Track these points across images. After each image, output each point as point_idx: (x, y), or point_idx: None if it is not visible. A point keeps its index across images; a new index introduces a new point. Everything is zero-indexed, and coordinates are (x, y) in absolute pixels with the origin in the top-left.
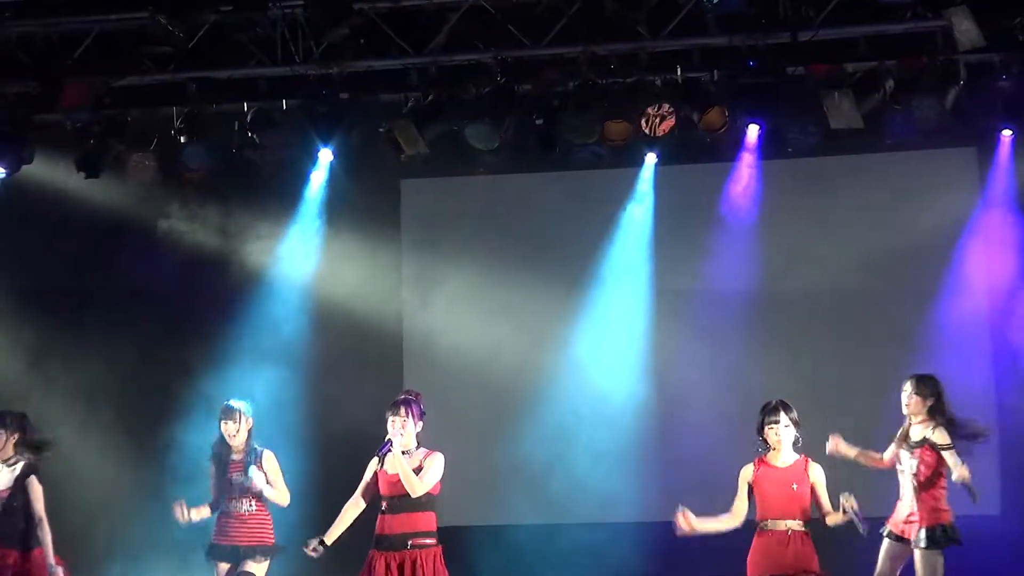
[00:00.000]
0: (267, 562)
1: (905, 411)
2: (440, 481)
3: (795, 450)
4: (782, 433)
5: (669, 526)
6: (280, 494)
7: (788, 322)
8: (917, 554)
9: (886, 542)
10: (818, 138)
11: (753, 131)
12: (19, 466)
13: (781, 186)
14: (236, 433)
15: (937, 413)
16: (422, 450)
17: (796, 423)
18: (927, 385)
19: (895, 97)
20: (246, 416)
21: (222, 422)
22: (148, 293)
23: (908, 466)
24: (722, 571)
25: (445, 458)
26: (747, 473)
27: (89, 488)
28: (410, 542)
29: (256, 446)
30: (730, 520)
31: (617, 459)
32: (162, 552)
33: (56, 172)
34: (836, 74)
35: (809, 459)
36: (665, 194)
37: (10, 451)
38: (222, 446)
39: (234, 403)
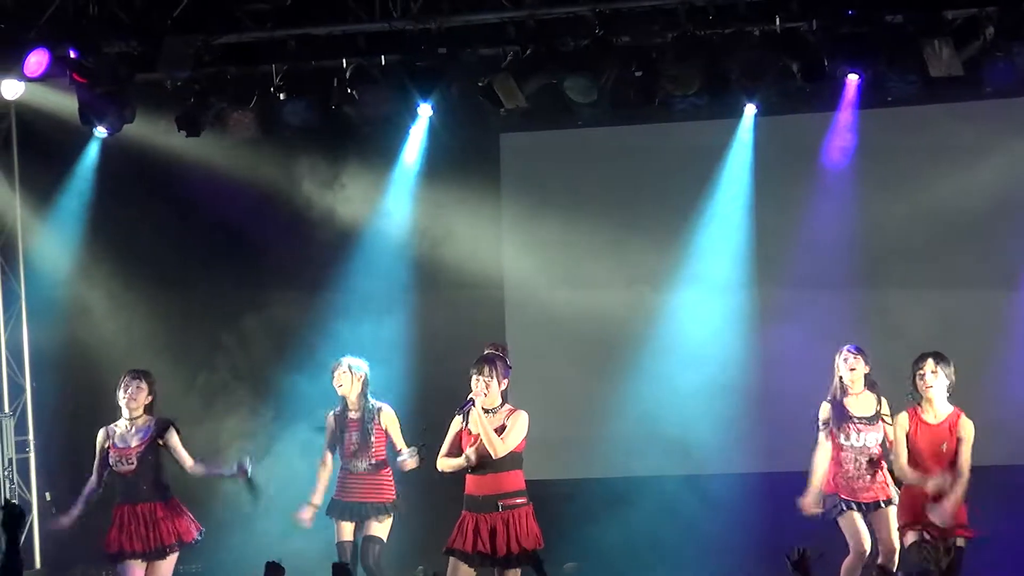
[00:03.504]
0: (390, 519)
1: (849, 382)
2: (524, 439)
3: (950, 402)
4: (929, 381)
5: (764, 478)
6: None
7: (889, 271)
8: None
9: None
10: (917, 86)
11: (852, 80)
12: (149, 423)
13: (881, 135)
14: (349, 391)
15: (871, 382)
16: (506, 407)
17: (947, 375)
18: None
19: (995, 44)
20: (355, 372)
21: (333, 378)
22: (250, 250)
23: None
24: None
25: (541, 409)
26: (903, 422)
27: (196, 443)
28: (500, 503)
29: (372, 402)
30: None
31: (714, 411)
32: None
33: (157, 131)
34: (935, 21)
35: (962, 414)
36: (765, 145)
37: (140, 409)
38: (341, 404)
39: (343, 360)
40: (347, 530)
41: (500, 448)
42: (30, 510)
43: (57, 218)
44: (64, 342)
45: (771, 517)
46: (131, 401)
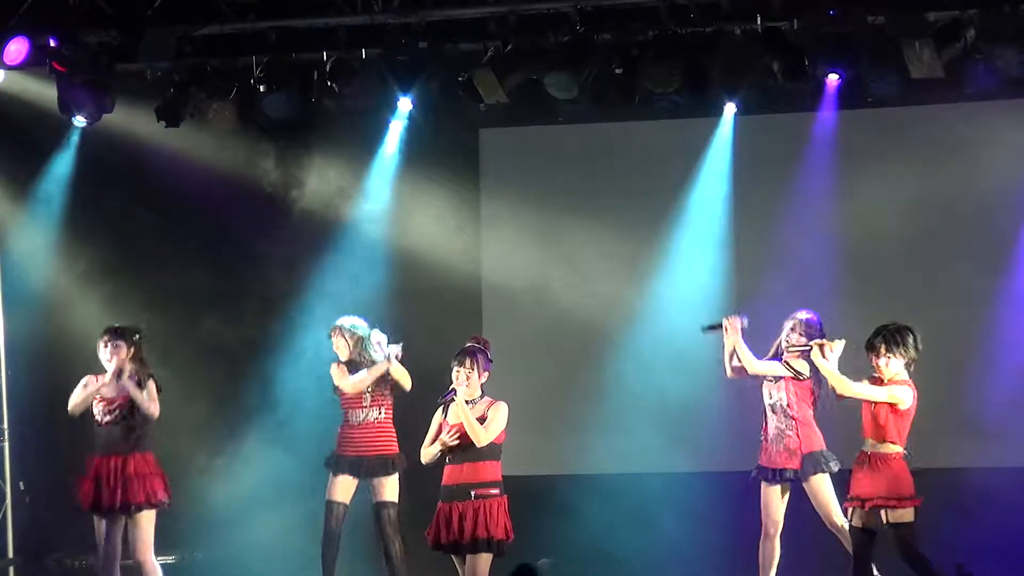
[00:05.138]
0: (396, 474)
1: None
2: (504, 430)
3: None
4: (880, 363)
5: (746, 477)
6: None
7: (867, 271)
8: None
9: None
10: (898, 88)
11: (833, 80)
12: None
13: (860, 136)
14: (347, 348)
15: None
16: (486, 399)
17: (902, 355)
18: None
19: (976, 46)
20: (348, 331)
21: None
22: (228, 241)
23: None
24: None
25: (517, 405)
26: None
27: (184, 426)
28: (473, 492)
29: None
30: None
31: (692, 410)
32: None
33: (137, 121)
34: (917, 23)
35: (905, 383)
36: (744, 144)
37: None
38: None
39: (338, 321)
40: (342, 488)
41: (483, 437)
42: (3, 499)
43: (35, 207)
44: (41, 331)
45: (750, 516)
46: (113, 359)
